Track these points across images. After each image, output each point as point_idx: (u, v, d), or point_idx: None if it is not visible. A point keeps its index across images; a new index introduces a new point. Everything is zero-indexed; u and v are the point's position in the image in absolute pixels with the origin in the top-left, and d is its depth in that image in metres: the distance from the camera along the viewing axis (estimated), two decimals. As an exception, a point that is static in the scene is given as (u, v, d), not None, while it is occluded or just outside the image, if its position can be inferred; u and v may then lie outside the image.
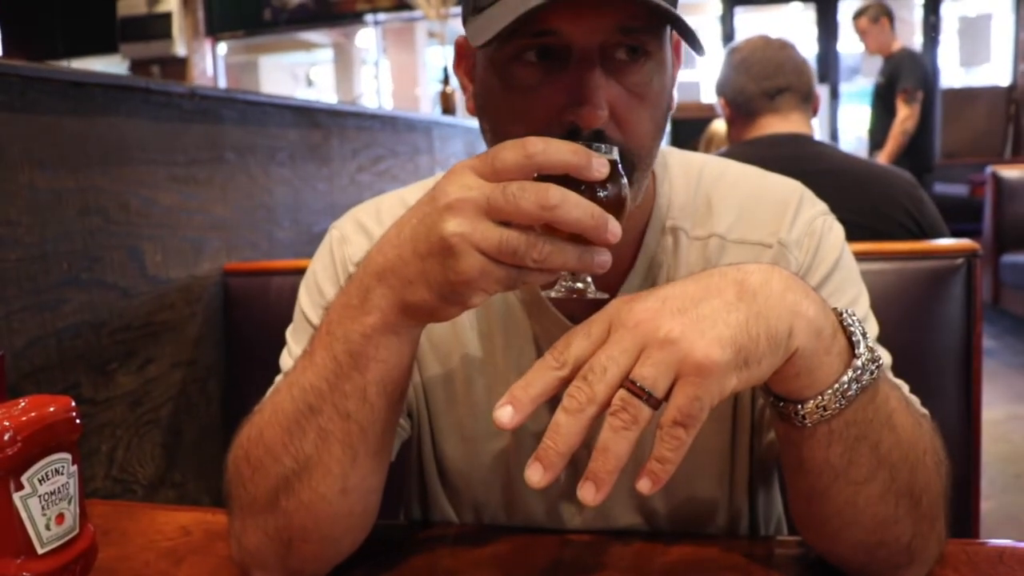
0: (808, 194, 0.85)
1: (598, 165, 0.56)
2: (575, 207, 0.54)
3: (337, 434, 0.64)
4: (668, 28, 0.72)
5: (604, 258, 0.57)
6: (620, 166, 0.61)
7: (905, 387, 0.75)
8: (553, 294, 0.62)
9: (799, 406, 0.59)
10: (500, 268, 0.56)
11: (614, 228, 0.56)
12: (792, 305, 0.56)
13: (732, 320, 0.54)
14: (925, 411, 0.71)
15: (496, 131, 0.73)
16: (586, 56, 0.66)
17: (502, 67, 0.70)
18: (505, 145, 0.56)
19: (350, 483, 0.66)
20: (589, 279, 0.62)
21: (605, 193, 0.58)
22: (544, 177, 0.56)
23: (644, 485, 0.54)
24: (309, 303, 0.85)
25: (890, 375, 0.74)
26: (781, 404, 0.61)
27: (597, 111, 0.66)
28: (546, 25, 0.66)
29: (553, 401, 0.82)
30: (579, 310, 0.81)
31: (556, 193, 0.54)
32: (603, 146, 0.60)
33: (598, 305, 0.81)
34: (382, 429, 0.66)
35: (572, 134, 0.67)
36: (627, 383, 0.53)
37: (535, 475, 0.54)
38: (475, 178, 0.57)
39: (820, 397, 0.59)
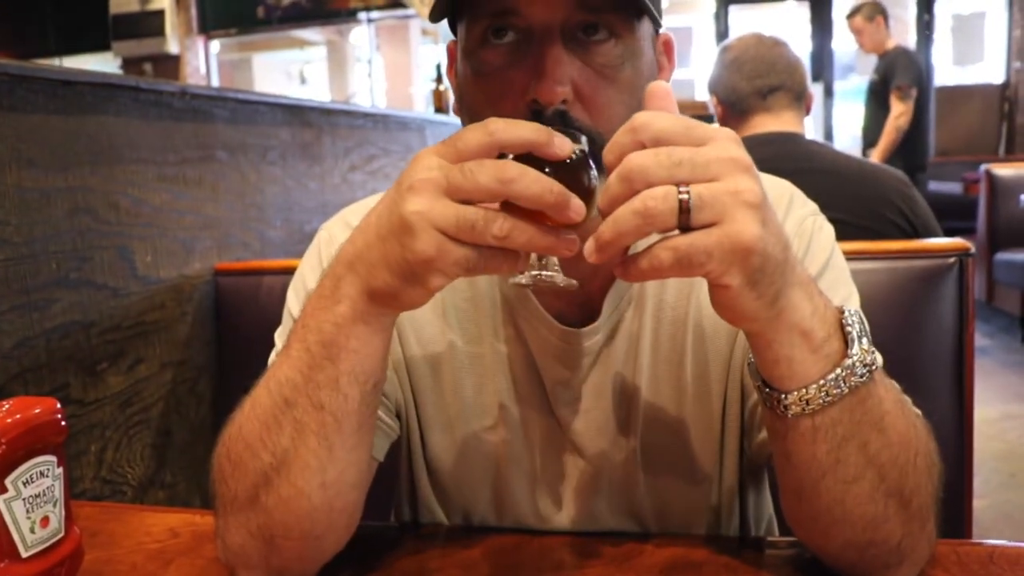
0: (798, 194, 0.85)
1: (560, 142, 0.56)
2: (534, 182, 0.54)
3: (312, 426, 0.64)
4: (644, 18, 0.72)
5: (572, 238, 0.56)
6: (590, 158, 0.60)
7: (896, 387, 0.75)
8: (522, 280, 0.61)
9: (783, 395, 0.60)
10: (459, 248, 0.55)
11: (577, 206, 0.55)
12: (798, 300, 0.58)
13: (787, 257, 0.56)
14: (919, 412, 0.71)
15: (471, 120, 0.74)
16: (547, 33, 0.68)
17: (472, 54, 0.72)
18: (468, 127, 0.57)
19: (328, 477, 0.65)
20: (557, 265, 0.61)
21: (572, 180, 0.57)
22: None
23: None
24: (297, 304, 0.84)
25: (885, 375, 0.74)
26: (767, 390, 0.62)
27: (555, 86, 0.66)
28: (506, 4, 0.67)
29: (546, 408, 0.82)
30: (568, 310, 0.81)
31: (513, 167, 0.54)
32: (573, 132, 0.59)
33: (589, 303, 0.82)
34: (357, 421, 0.65)
35: (535, 114, 0.68)
36: (681, 188, 0.52)
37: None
38: (438, 160, 0.56)
39: (804, 390, 0.59)
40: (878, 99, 4.74)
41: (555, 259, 0.61)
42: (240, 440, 0.67)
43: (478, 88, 0.72)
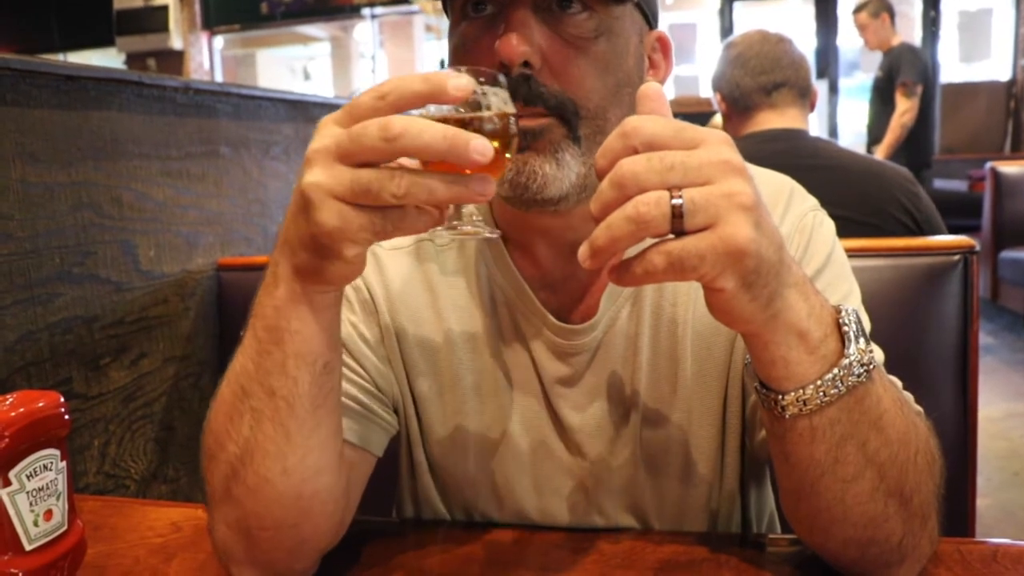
0: (798, 189, 0.84)
1: (456, 83, 0.52)
2: (423, 131, 0.51)
3: (267, 412, 0.64)
4: (625, 2, 0.72)
5: (483, 183, 0.54)
6: (508, 102, 0.58)
7: (898, 383, 0.75)
8: (442, 235, 0.58)
9: (780, 396, 0.60)
10: (362, 214, 0.54)
11: (479, 146, 0.52)
12: (793, 301, 0.57)
13: (781, 258, 0.56)
14: (919, 409, 0.71)
15: None
16: (518, 1, 0.68)
17: (454, 31, 0.74)
18: (364, 92, 0.55)
19: (289, 463, 0.65)
20: (479, 216, 0.58)
21: (484, 122, 0.56)
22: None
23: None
24: None
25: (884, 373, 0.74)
26: (764, 391, 0.62)
27: (518, 44, 0.66)
28: None
29: (545, 404, 0.82)
30: (566, 307, 0.81)
31: (398, 121, 0.52)
32: (485, 71, 0.57)
33: (587, 301, 0.82)
34: (311, 404, 0.64)
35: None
36: (674, 192, 0.52)
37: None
38: (334, 127, 0.55)
39: (801, 391, 0.59)
40: (883, 96, 4.71)
41: (472, 209, 0.58)
42: (211, 434, 0.68)
43: (457, 61, 0.73)
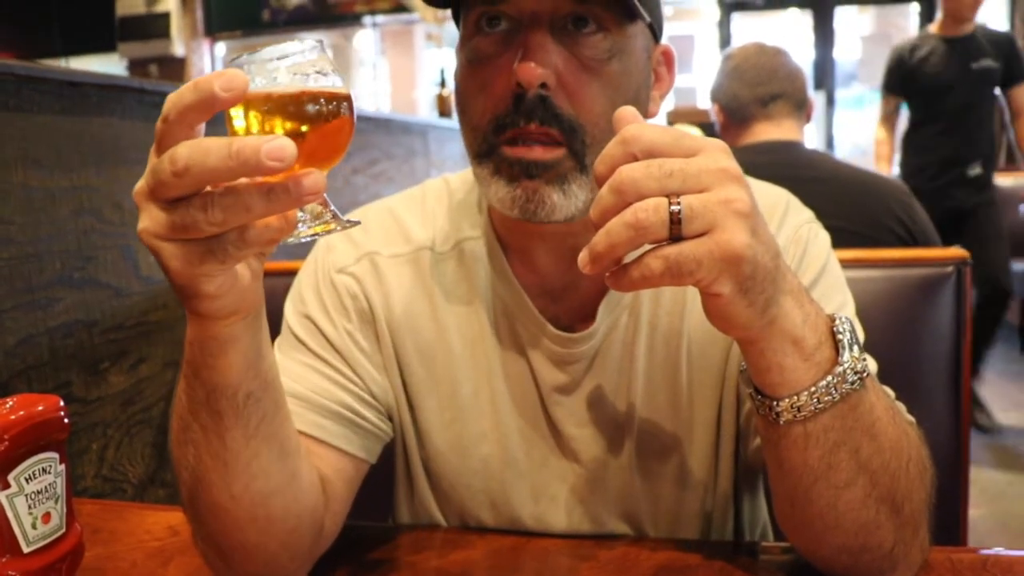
0: (794, 201, 0.85)
1: (223, 87, 0.46)
2: (207, 155, 0.46)
3: (203, 445, 0.63)
4: (636, 19, 0.73)
5: (299, 188, 0.48)
6: (326, 73, 0.53)
7: (891, 393, 0.75)
8: (302, 236, 0.53)
9: (775, 402, 0.61)
10: (197, 248, 0.51)
11: (273, 150, 0.46)
12: (790, 308, 0.58)
13: (777, 265, 0.57)
14: (911, 419, 0.72)
15: (462, 109, 0.76)
16: (535, 21, 0.69)
17: (465, 43, 0.74)
18: None
19: (234, 491, 0.65)
20: (325, 212, 0.54)
21: (294, 111, 0.51)
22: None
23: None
24: (292, 311, 0.85)
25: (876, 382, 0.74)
26: (759, 397, 0.62)
27: (536, 68, 0.67)
28: None
29: (542, 412, 0.82)
30: (564, 315, 0.82)
31: (182, 152, 0.47)
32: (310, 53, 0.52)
33: (585, 308, 0.83)
34: (241, 436, 0.63)
35: (517, 99, 0.69)
36: (672, 199, 0.52)
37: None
38: (150, 162, 0.51)
39: (795, 397, 0.60)
40: (989, 92, 3.50)
41: (315, 206, 0.54)
42: (173, 458, 0.68)
43: (470, 75, 0.74)
